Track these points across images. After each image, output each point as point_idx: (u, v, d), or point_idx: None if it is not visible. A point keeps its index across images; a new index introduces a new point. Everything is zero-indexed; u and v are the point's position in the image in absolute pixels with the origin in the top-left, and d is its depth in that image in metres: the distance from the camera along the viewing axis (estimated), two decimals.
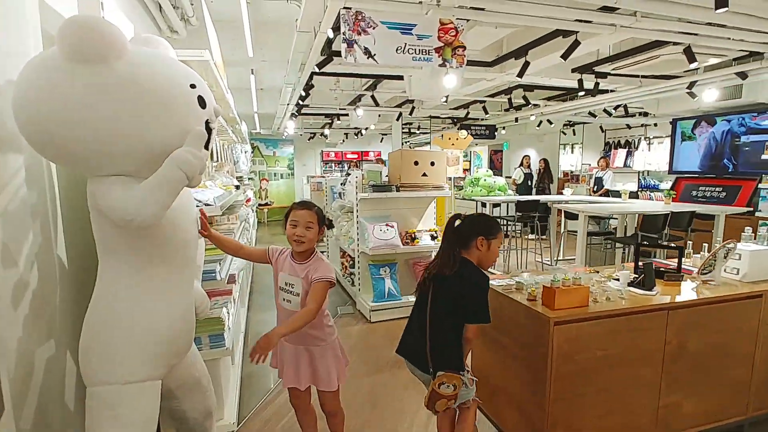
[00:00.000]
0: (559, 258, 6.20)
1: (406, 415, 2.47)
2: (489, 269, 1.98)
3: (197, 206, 1.84)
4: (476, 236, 1.75)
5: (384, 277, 4.05)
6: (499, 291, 2.12)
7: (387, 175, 4.45)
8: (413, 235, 4.11)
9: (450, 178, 7.39)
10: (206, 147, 1.34)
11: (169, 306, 1.42)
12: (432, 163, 4.16)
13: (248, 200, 7.16)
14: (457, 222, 1.81)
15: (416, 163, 4.11)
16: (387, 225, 4.03)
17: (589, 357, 1.87)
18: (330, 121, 9.47)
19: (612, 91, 5.76)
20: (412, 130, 11.19)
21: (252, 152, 11.97)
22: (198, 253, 1.74)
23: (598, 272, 2.47)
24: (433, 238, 4.16)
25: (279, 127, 10.26)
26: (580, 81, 4.92)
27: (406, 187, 4.10)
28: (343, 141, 12.97)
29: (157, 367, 1.40)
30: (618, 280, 2.16)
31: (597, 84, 5.00)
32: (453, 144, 7.66)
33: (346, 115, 7.98)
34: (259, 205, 11.91)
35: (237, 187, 4.34)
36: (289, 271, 1.83)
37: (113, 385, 1.31)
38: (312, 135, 12.11)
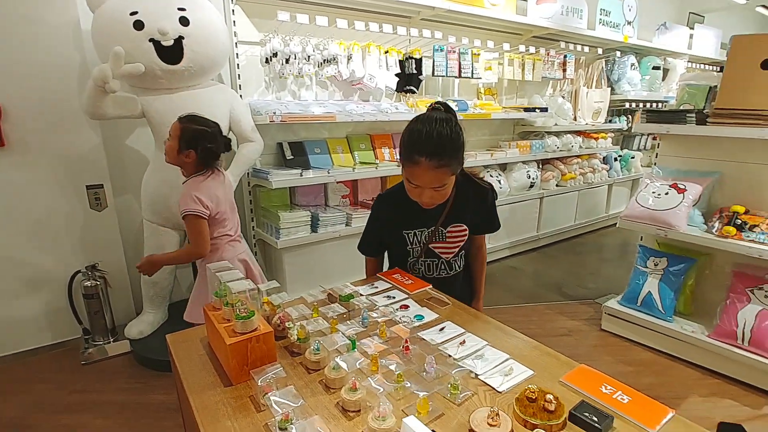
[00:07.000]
0: None
1: None
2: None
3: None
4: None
5: (649, 273, 2.35)
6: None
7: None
8: (733, 218, 2.06)
9: None
10: (170, 61, 1.85)
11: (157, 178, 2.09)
12: None
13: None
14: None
15: (766, 63, 1.93)
16: (673, 187, 2.24)
17: None
18: None
19: None
20: None
21: None
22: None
23: None
24: None
25: None
26: None
27: (728, 117, 2.04)
28: None
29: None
30: None
31: None
32: None
33: None
34: None
35: (533, 110, 3.61)
36: None
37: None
38: None
